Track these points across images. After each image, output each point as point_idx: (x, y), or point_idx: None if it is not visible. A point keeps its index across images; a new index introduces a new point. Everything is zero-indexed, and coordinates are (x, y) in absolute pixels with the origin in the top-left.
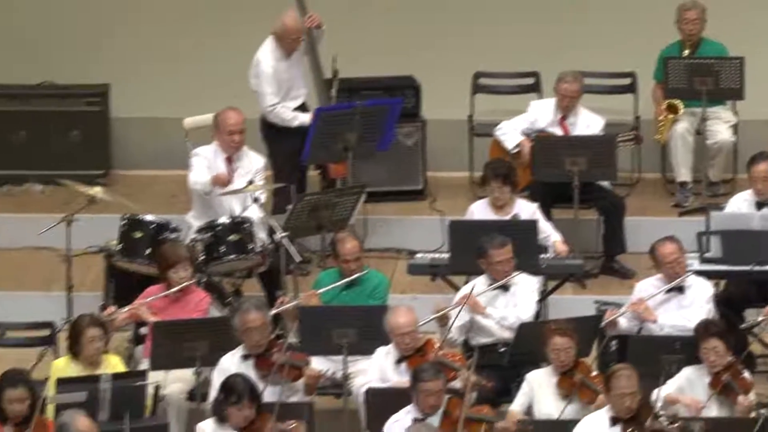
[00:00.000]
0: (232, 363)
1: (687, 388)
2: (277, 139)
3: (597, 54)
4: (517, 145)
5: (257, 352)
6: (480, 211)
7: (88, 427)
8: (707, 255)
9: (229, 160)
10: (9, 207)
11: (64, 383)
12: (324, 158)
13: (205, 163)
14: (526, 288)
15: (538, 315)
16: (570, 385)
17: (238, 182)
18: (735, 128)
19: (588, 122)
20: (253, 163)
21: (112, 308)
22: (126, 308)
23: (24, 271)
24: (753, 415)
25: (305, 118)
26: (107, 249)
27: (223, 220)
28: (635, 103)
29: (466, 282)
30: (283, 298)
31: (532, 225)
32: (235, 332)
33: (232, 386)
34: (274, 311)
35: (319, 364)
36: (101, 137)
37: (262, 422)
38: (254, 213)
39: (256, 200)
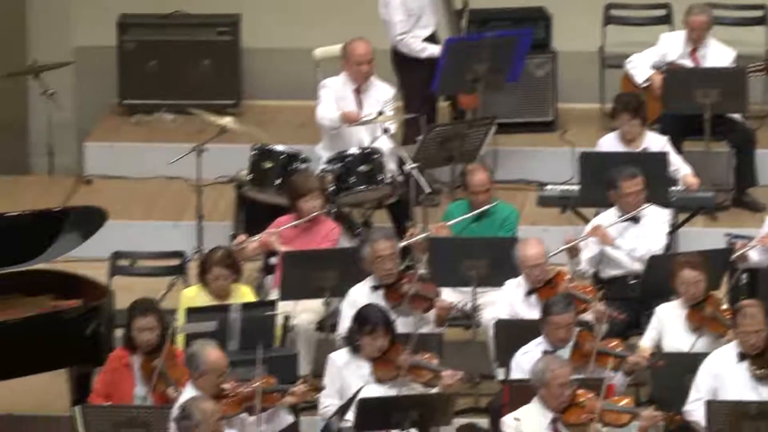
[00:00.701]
0: (362, 293)
1: None
2: (408, 70)
3: None
4: (648, 79)
5: (387, 282)
6: (609, 144)
7: (219, 357)
8: None
9: (358, 91)
10: (140, 137)
11: (193, 313)
12: (454, 89)
13: (333, 96)
14: (656, 220)
15: (668, 248)
16: (700, 319)
17: (367, 113)
18: None
19: (718, 54)
20: (382, 94)
21: (242, 237)
22: (256, 237)
23: (154, 200)
24: None
25: (435, 50)
26: (237, 179)
27: (353, 150)
28: (766, 35)
29: (596, 214)
30: (412, 229)
31: (662, 157)
32: (364, 263)
33: (367, 316)
34: (403, 243)
35: (448, 296)
36: (232, 67)
37: (395, 353)
38: (384, 144)
39: (386, 131)
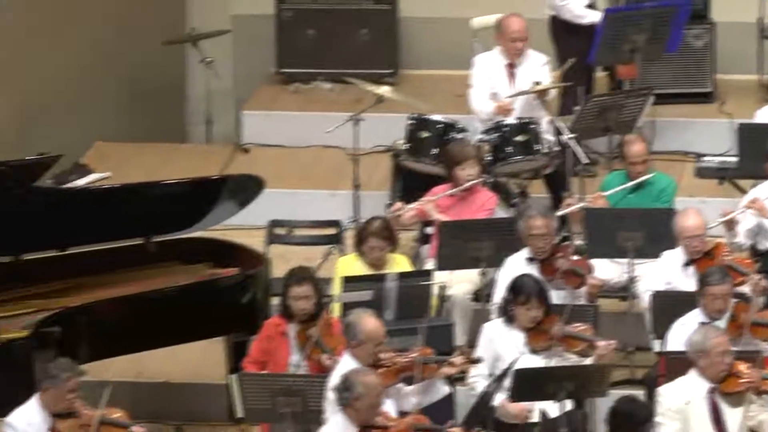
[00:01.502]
0: (517, 264)
1: None
2: (566, 39)
3: None
4: None
5: (541, 258)
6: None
7: (376, 326)
8: None
9: (511, 66)
10: (297, 105)
11: (349, 282)
12: (611, 59)
13: (485, 77)
14: None
15: None
16: None
17: (522, 85)
18: None
19: None
20: (535, 62)
21: (398, 204)
22: (412, 205)
23: (311, 169)
24: None
25: (595, 17)
26: (394, 148)
27: (510, 121)
28: None
29: (754, 186)
30: (569, 199)
31: None
32: (519, 235)
33: (521, 286)
34: (560, 213)
35: (605, 266)
36: (390, 37)
37: (549, 323)
38: (541, 114)
39: (542, 102)
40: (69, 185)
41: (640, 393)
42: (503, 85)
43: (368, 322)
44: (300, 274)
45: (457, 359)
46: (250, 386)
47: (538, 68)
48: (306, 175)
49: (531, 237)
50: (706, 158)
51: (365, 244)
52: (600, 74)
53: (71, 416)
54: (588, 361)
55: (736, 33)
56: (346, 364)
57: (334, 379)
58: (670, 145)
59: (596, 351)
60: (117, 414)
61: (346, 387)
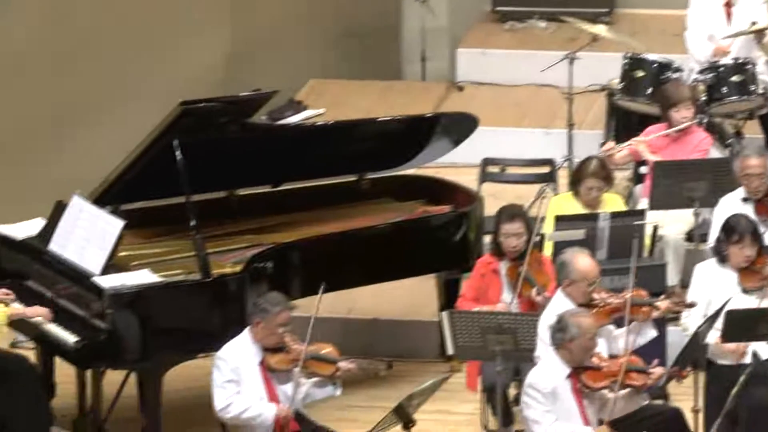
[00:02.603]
0: (732, 204)
1: None
2: None
3: None
4: None
5: (756, 197)
6: None
7: (590, 266)
8: None
9: (728, 5)
10: (512, 43)
11: (562, 221)
12: None
13: (701, 20)
14: None
15: None
16: None
17: (739, 25)
18: None
19: None
20: (753, 0)
21: (611, 143)
22: (625, 144)
23: (525, 108)
24: None
25: None
26: (609, 87)
27: (726, 61)
28: None
29: None
30: None
31: None
32: (734, 175)
33: (735, 225)
34: None
35: None
36: None
37: (762, 263)
38: (758, 54)
39: (759, 42)
40: (283, 122)
41: None
42: (720, 25)
43: (582, 261)
44: (512, 212)
45: (669, 302)
46: (460, 324)
47: (756, 7)
48: (520, 114)
49: (746, 177)
50: None
51: (582, 184)
52: None
53: (281, 351)
54: None
55: None
56: (558, 302)
57: (546, 317)
58: None
59: None
60: (326, 349)
61: (560, 328)
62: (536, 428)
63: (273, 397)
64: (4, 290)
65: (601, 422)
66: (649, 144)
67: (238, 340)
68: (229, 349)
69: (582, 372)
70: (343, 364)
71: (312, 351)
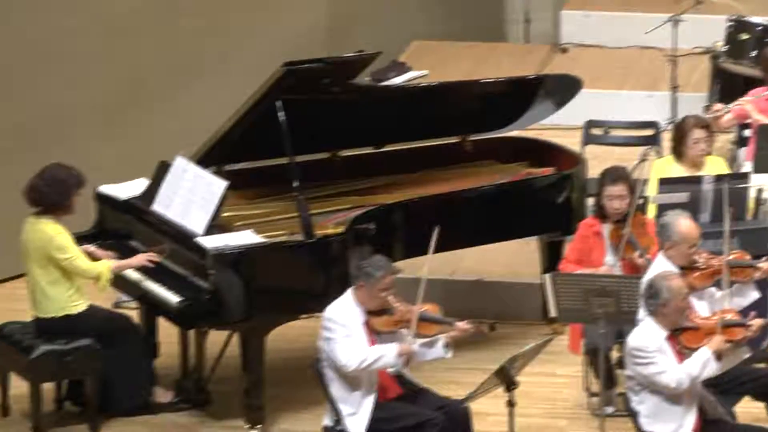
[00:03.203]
0: None
1: None
2: None
3: None
4: None
5: None
6: None
7: (691, 228)
8: None
9: None
10: (616, 5)
11: (665, 183)
12: None
13: None
14: None
15: None
16: None
17: None
18: None
19: None
20: None
21: (718, 105)
22: (730, 106)
23: (629, 70)
24: None
25: None
26: (713, 50)
27: None
28: None
29: None
30: None
31: None
32: None
33: None
34: None
35: None
36: None
37: None
38: None
39: None
40: (387, 83)
41: None
42: None
43: (683, 224)
44: (615, 174)
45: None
46: (563, 286)
47: None
48: (623, 76)
49: None
50: None
51: (687, 139)
52: None
53: (385, 313)
54: None
55: None
56: (659, 265)
57: (648, 279)
58: None
59: None
60: (432, 310)
61: (652, 294)
62: (664, 378)
63: None
64: (110, 252)
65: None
66: (755, 106)
67: (341, 301)
68: (335, 310)
69: (680, 333)
70: (461, 325)
71: (421, 312)
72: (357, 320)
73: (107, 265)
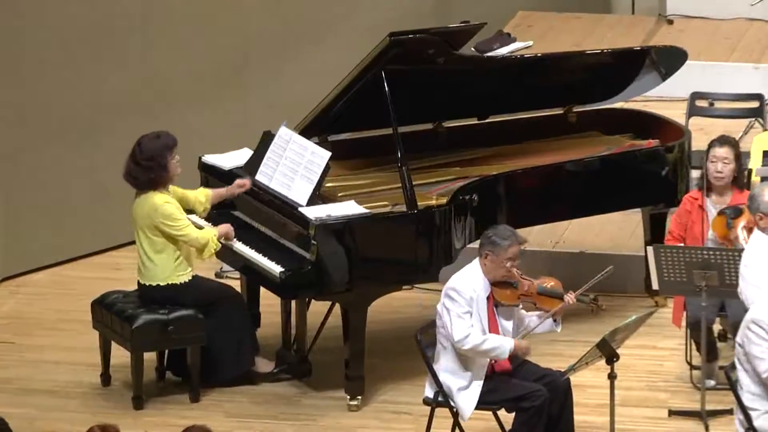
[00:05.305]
0: None
1: None
2: None
3: None
4: None
5: None
6: None
7: None
8: None
9: None
10: None
11: None
12: None
13: None
14: None
15: None
16: None
17: None
18: None
19: None
20: None
21: None
22: None
23: (735, 42)
24: None
25: None
26: None
27: None
28: None
29: None
30: None
31: None
32: None
33: None
34: None
35: None
36: None
37: None
38: None
39: None
40: (491, 54)
41: None
42: None
43: None
44: (724, 138)
45: None
46: (666, 259)
47: None
48: (730, 48)
49: None
50: None
51: None
52: None
53: (510, 286)
54: None
55: None
56: (756, 239)
57: (747, 254)
58: None
59: None
60: (552, 283)
61: None
62: (759, 364)
63: (494, 332)
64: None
65: None
66: None
67: (468, 272)
68: (461, 281)
69: None
70: (569, 297)
71: (541, 285)
72: (481, 292)
73: (213, 232)
